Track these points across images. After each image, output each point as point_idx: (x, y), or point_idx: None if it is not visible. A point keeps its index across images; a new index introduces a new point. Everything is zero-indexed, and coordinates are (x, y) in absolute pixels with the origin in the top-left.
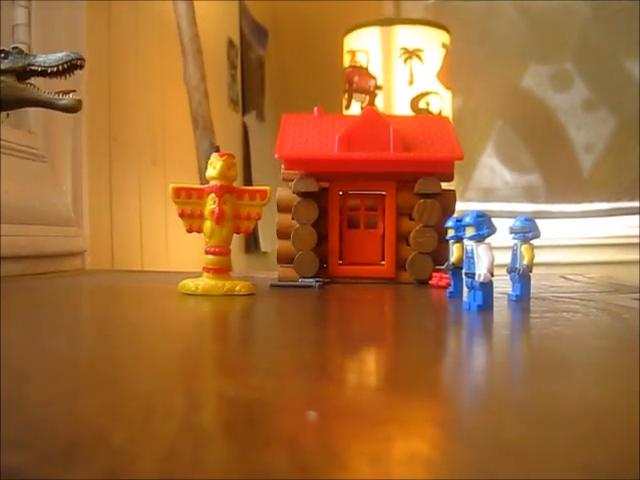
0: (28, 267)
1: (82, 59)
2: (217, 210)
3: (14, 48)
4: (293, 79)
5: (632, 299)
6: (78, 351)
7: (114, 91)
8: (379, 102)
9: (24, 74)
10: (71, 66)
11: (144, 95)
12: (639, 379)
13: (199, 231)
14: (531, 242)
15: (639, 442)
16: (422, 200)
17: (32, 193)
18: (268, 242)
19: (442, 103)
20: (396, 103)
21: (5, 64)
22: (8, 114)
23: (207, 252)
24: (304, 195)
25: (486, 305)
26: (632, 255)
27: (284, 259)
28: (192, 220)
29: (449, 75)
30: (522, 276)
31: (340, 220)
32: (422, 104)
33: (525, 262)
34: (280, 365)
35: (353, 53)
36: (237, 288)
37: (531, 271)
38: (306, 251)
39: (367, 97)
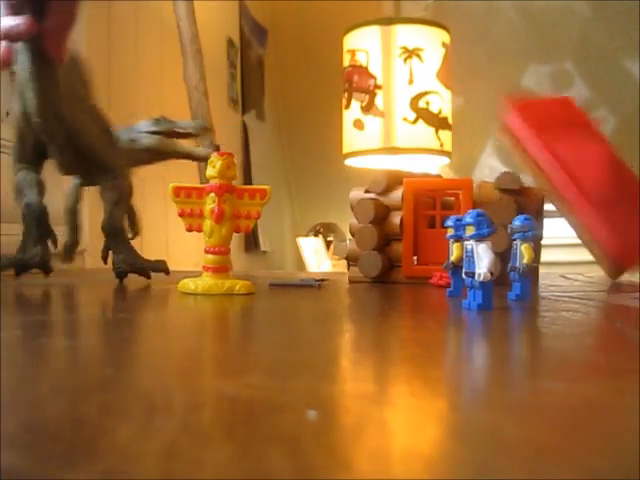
0: None
1: (209, 124)
2: (217, 209)
3: (162, 117)
4: (293, 78)
5: (632, 298)
6: (78, 350)
7: (114, 91)
8: (379, 101)
9: (169, 135)
10: (203, 129)
11: (144, 94)
12: (639, 378)
13: (199, 230)
14: (532, 241)
15: (639, 441)
16: (499, 197)
17: None
18: (268, 241)
19: (442, 102)
20: (396, 102)
21: (159, 127)
22: (8, 113)
23: (207, 251)
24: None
25: (486, 304)
26: None
27: (352, 258)
28: (192, 219)
29: (449, 74)
30: (522, 275)
31: (415, 219)
32: (422, 103)
33: (525, 261)
34: (280, 364)
35: (353, 52)
36: (237, 287)
37: (537, 268)
38: (369, 251)
39: (367, 96)
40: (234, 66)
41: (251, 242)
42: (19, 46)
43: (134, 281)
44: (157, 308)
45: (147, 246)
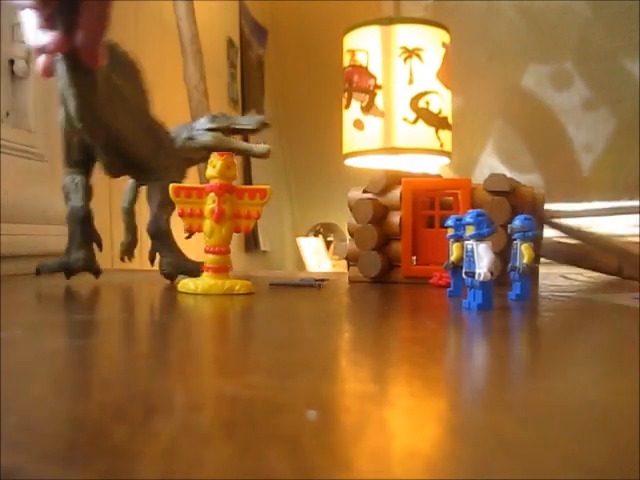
0: (28, 266)
1: (270, 120)
2: (217, 209)
3: (220, 113)
4: (293, 78)
5: (632, 298)
6: (78, 350)
7: None
8: (379, 101)
9: (228, 131)
10: (262, 125)
11: None
12: (639, 378)
13: (199, 230)
14: (532, 241)
15: (639, 441)
16: (490, 199)
17: (32, 192)
18: (268, 241)
19: (442, 102)
20: (396, 102)
21: (216, 123)
22: (8, 113)
23: (207, 251)
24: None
25: (486, 304)
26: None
27: (352, 258)
28: (192, 219)
29: (449, 74)
30: (522, 275)
31: (414, 219)
32: (422, 103)
33: (525, 261)
34: (280, 364)
35: (353, 52)
36: (237, 287)
37: (537, 268)
38: (368, 251)
39: (367, 96)
40: (234, 66)
41: (251, 242)
42: (57, 55)
43: (134, 280)
44: (157, 308)
45: (147, 245)
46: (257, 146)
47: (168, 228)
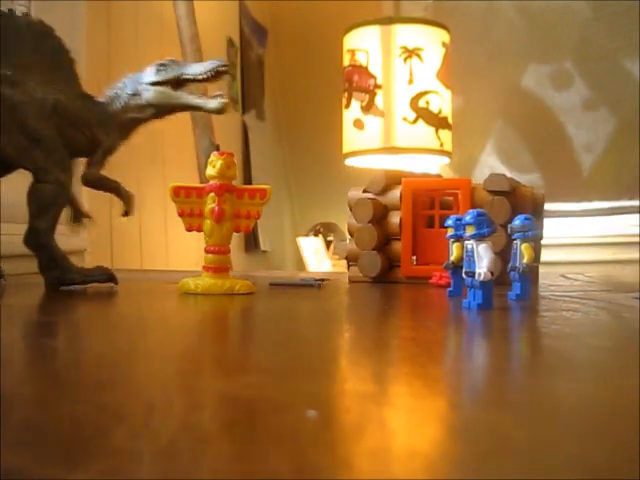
0: (28, 266)
1: (226, 65)
2: (217, 209)
3: (170, 60)
4: (293, 78)
5: (632, 298)
6: (78, 350)
7: None
8: (379, 101)
9: (178, 83)
10: (218, 72)
11: None
12: (639, 378)
13: (199, 230)
14: (532, 241)
15: (639, 441)
16: (490, 198)
17: None
18: (268, 241)
19: (442, 102)
20: (396, 102)
21: (162, 75)
22: None
23: (207, 251)
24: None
25: (486, 304)
26: (632, 254)
27: (352, 258)
28: (192, 219)
29: (449, 74)
30: (522, 275)
31: (414, 219)
32: (422, 103)
33: (525, 261)
34: (280, 364)
35: (353, 52)
36: (237, 287)
37: (537, 268)
38: (368, 251)
39: (367, 96)
40: (234, 66)
41: (251, 242)
42: None
43: (134, 280)
44: (157, 308)
45: (147, 245)
46: (210, 101)
47: (48, 239)
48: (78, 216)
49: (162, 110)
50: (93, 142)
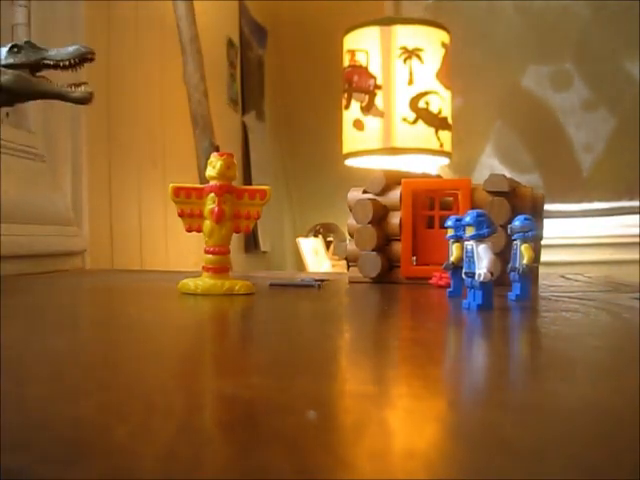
0: (28, 266)
1: (92, 52)
2: (217, 209)
3: (27, 42)
4: (293, 79)
5: (631, 298)
6: (78, 351)
7: (113, 90)
8: (379, 102)
9: (37, 68)
10: (82, 59)
11: (143, 94)
12: (638, 378)
13: (199, 230)
14: (532, 242)
15: (638, 441)
16: (490, 199)
17: (32, 193)
18: (268, 242)
19: (442, 103)
20: (396, 103)
21: (19, 58)
22: (8, 113)
23: (207, 251)
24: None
25: (486, 305)
26: (632, 254)
27: (352, 259)
28: (192, 219)
29: (449, 75)
30: (522, 276)
31: (414, 220)
32: (422, 104)
33: (525, 261)
34: (280, 364)
35: (353, 53)
36: (237, 287)
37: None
38: (368, 251)
39: (367, 97)
40: (234, 66)
41: (251, 242)
42: None
43: (134, 281)
44: (157, 308)
45: (147, 246)
46: (74, 90)
47: None
48: None
49: (17, 96)
50: None
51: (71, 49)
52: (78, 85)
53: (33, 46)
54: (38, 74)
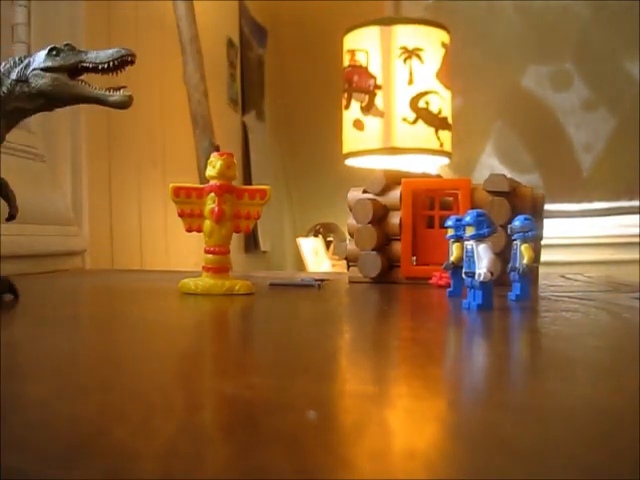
0: (28, 266)
1: (132, 55)
2: (217, 209)
3: (66, 45)
4: (293, 78)
5: (631, 298)
6: (78, 350)
7: None
8: (379, 101)
9: (76, 71)
10: (122, 62)
11: (144, 95)
12: (638, 378)
13: (199, 230)
14: (532, 241)
15: (638, 441)
16: (490, 199)
17: (32, 193)
18: (268, 241)
19: (442, 102)
20: (396, 102)
21: (57, 61)
22: None
23: (207, 251)
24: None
25: (486, 304)
26: (631, 254)
27: (352, 258)
28: (192, 219)
29: (449, 74)
30: (522, 276)
31: (414, 219)
32: (422, 103)
33: (525, 261)
34: (280, 364)
35: (353, 52)
36: (237, 287)
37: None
38: (368, 251)
39: (367, 96)
40: (234, 66)
41: (251, 242)
42: None
43: (134, 280)
44: (157, 308)
45: (147, 246)
46: (113, 94)
47: None
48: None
49: (54, 101)
50: None
51: (111, 51)
52: (117, 89)
53: (72, 49)
54: (76, 78)
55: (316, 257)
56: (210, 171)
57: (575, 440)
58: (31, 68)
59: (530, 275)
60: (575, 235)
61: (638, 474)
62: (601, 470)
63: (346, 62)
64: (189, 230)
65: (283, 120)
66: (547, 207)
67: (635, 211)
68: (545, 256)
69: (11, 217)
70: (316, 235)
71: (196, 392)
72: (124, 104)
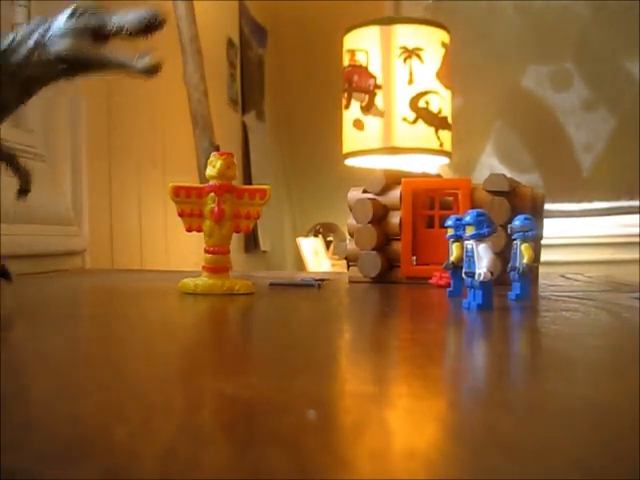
0: (28, 266)
1: (161, 17)
2: (217, 209)
3: (90, 7)
4: (292, 78)
5: (631, 298)
6: (78, 350)
7: (113, 90)
8: (379, 101)
9: (99, 36)
10: (150, 25)
11: (143, 94)
12: (639, 378)
13: (199, 230)
14: (532, 241)
15: (639, 441)
16: (490, 198)
17: (32, 192)
18: (268, 241)
19: (442, 102)
20: (396, 102)
21: (78, 23)
22: None
23: (207, 251)
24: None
25: (486, 304)
26: (631, 254)
27: (352, 258)
28: (192, 219)
29: (449, 74)
30: (522, 275)
31: (414, 219)
32: (422, 103)
33: (525, 261)
34: (280, 364)
35: (352, 52)
36: (236, 287)
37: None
38: (368, 251)
39: (367, 96)
40: (234, 66)
41: (251, 242)
42: None
43: (134, 280)
44: (157, 308)
45: (147, 246)
46: (139, 59)
47: None
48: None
49: (75, 68)
50: None
51: (137, 12)
52: (144, 55)
53: (94, 9)
54: (100, 44)
55: (316, 257)
56: (210, 171)
57: (575, 440)
58: (50, 32)
59: (530, 275)
60: (575, 235)
61: (638, 475)
62: (601, 470)
63: (346, 62)
64: (189, 230)
65: (283, 120)
66: (547, 207)
67: (635, 211)
68: (545, 256)
69: (23, 192)
70: (316, 235)
71: (196, 392)
72: (152, 70)
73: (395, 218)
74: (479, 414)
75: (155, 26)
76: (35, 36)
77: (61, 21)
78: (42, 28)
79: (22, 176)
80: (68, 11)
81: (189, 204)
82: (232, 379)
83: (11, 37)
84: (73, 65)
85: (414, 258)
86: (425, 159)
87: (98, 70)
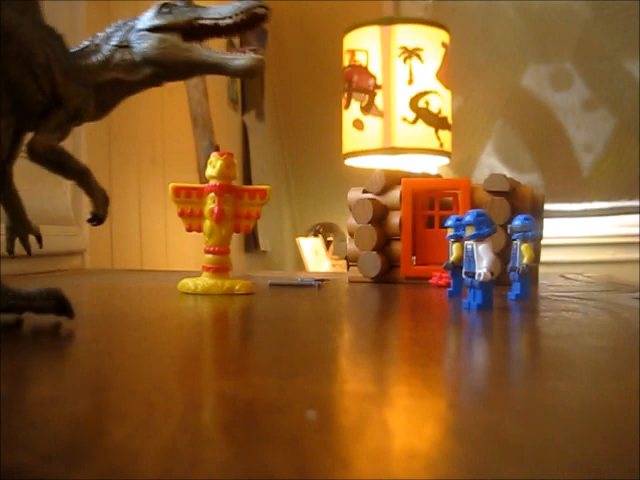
0: (28, 266)
1: (265, 7)
2: (217, 209)
3: (182, 1)
4: (293, 78)
5: (632, 298)
6: (78, 350)
7: None
8: (378, 101)
9: (192, 31)
10: (251, 18)
11: (143, 94)
12: (639, 378)
13: (199, 230)
14: (532, 241)
15: (639, 441)
16: (490, 198)
17: (32, 192)
18: (268, 241)
19: (442, 102)
20: (396, 102)
21: (167, 19)
22: None
23: (207, 251)
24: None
25: (486, 304)
26: (632, 254)
27: (352, 258)
28: (192, 219)
29: (449, 74)
30: (522, 275)
31: (414, 219)
32: (421, 103)
33: (525, 261)
34: (280, 364)
35: (352, 52)
36: (236, 287)
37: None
38: (368, 251)
39: (366, 96)
40: None
41: (251, 242)
42: None
43: (134, 280)
44: (157, 308)
45: (147, 246)
46: (236, 59)
47: None
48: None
49: (164, 71)
50: (51, 99)
51: (237, 4)
52: (242, 51)
53: (188, 5)
54: (192, 41)
55: (316, 257)
56: (210, 171)
57: (575, 440)
58: (135, 30)
59: (530, 275)
60: (575, 235)
61: (638, 475)
62: (601, 470)
63: (346, 62)
64: (189, 230)
65: (283, 120)
66: (547, 207)
67: (635, 211)
68: (545, 256)
69: (95, 219)
70: (316, 235)
71: (196, 392)
72: (252, 70)
73: (395, 218)
74: (479, 414)
75: (257, 18)
76: (119, 36)
77: (148, 18)
78: (127, 26)
79: (95, 198)
80: (156, 6)
81: (189, 204)
82: (232, 379)
83: (90, 40)
84: (161, 67)
85: (414, 258)
86: (425, 159)
87: (189, 72)
